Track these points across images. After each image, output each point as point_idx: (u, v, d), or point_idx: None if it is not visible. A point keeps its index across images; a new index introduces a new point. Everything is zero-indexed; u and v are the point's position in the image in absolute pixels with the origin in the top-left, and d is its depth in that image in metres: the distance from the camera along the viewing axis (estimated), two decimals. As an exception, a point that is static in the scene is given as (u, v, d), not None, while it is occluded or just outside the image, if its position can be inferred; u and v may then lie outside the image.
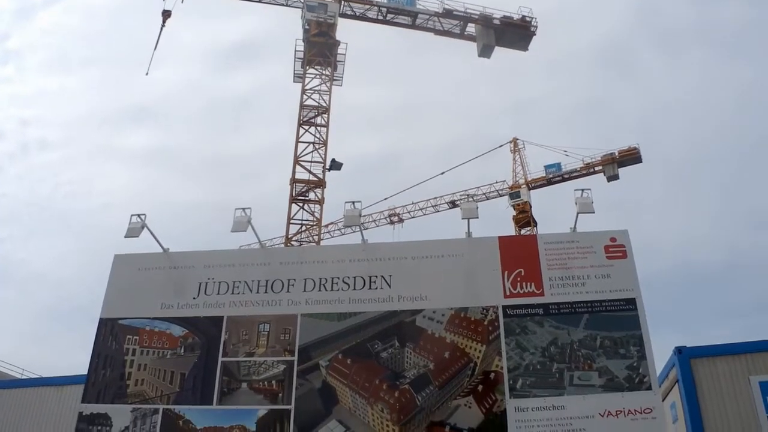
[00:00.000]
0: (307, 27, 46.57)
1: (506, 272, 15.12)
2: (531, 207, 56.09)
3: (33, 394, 18.27)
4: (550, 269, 15.05)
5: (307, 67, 46.63)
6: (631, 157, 55.04)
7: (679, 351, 15.64)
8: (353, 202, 16.25)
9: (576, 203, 15.43)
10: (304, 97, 45.98)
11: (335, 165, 44.74)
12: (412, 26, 47.99)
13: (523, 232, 53.74)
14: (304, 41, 46.77)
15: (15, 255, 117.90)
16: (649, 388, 13.60)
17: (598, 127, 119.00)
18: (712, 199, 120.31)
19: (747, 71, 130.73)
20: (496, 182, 56.61)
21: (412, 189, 55.34)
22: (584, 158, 55.34)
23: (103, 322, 15.86)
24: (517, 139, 60.56)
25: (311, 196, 43.95)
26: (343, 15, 47.52)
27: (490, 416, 13.74)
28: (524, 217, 55.66)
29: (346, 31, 47.64)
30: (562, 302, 14.66)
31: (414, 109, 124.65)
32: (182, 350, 15.41)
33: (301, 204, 43.62)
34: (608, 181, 54.37)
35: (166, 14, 47.30)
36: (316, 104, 45.86)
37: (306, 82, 46.46)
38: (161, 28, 47.49)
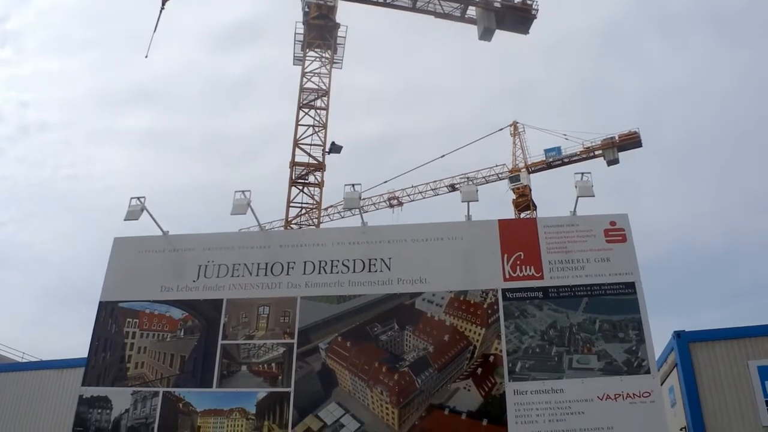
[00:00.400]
0: (306, 9, 46.44)
1: (506, 255, 15.13)
2: (531, 191, 56.00)
3: (33, 378, 18.27)
4: (549, 253, 15.06)
5: (307, 50, 46.51)
6: (631, 141, 54.84)
7: (678, 335, 15.66)
8: (353, 185, 16.21)
9: (576, 187, 15.42)
10: (304, 80, 45.89)
11: (335, 148, 44.67)
12: (412, 9, 47.65)
13: (522, 215, 53.70)
14: (303, 24, 46.62)
15: (15, 238, 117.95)
16: (648, 371, 13.66)
17: (598, 112, 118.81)
18: (712, 184, 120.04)
19: (747, 55, 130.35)
20: (496, 166, 56.47)
21: (412, 172, 55.19)
22: (584, 142, 55.18)
23: (102, 305, 15.88)
24: (517, 123, 60.36)
25: (311, 179, 43.92)
26: (343, -3, 47.28)
27: (489, 399, 13.79)
28: (524, 200, 55.61)
29: (346, 13, 47.55)
30: (561, 286, 14.69)
31: (414, 92, 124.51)
32: (182, 333, 15.44)
33: (300, 187, 43.62)
34: (608, 165, 54.19)
35: (166, -4, 47.00)
36: (316, 87, 45.75)
37: (306, 64, 46.36)
38: (161, 10, 47.10)
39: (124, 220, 15.94)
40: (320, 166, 43.81)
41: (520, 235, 15.55)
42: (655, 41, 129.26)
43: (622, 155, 54.75)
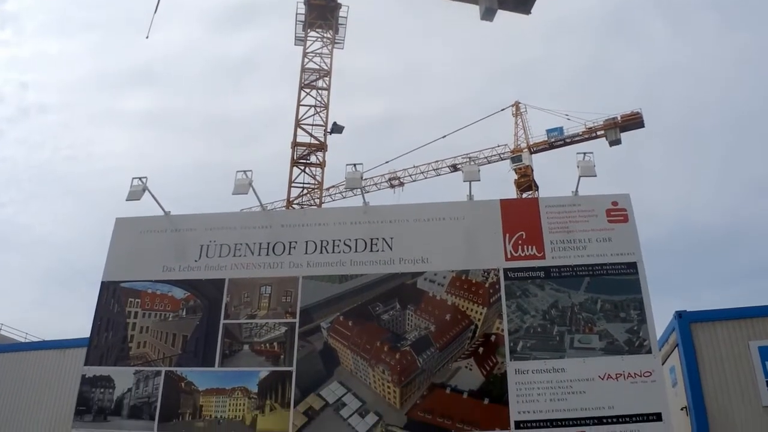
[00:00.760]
0: (308, -11, 46.10)
1: (507, 235, 15.12)
2: (533, 171, 55.81)
3: (36, 358, 18.32)
4: (551, 232, 15.06)
5: (309, 30, 46.31)
6: (634, 121, 54.62)
7: (680, 315, 15.63)
8: (354, 165, 16.21)
9: (578, 167, 15.39)
10: (306, 60, 45.74)
11: (336, 128, 44.55)
12: (415, -12, 47.41)
13: (524, 195, 53.57)
14: (305, 4, 46.33)
15: (16, 219, 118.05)
16: (649, 351, 13.70)
17: (600, 92, 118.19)
18: (714, 165, 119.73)
19: (750, 36, 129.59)
20: (498, 146, 56.21)
21: (414, 152, 55.01)
22: (586, 122, 54.94)
23: (105, 286, 15.92)
24: (519, 103, 60.00)
25: (312, 159, 43.86)
26: (345, -23, 46.91)
27: (491, 378, 13.83)
28: (526, 180, 55.46)
29: (348, -7, 47.11)
30: (563, 265, 14.70)
31: (415, 72, 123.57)
32: (184, 313, 15.47)
33: (302, 167, 43.56)
34: (610, 146, 54.00)
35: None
36: (318, 67, 45.61)
37: (307, 45, 46.19)
38: (162, -9, 47.00)
39: (126, 200, 15.96)
40: (322, 146, 43.71)
41: (521, 215, 15.53)
42: (657, 21, 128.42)
43: (624, 136, 54.55)
